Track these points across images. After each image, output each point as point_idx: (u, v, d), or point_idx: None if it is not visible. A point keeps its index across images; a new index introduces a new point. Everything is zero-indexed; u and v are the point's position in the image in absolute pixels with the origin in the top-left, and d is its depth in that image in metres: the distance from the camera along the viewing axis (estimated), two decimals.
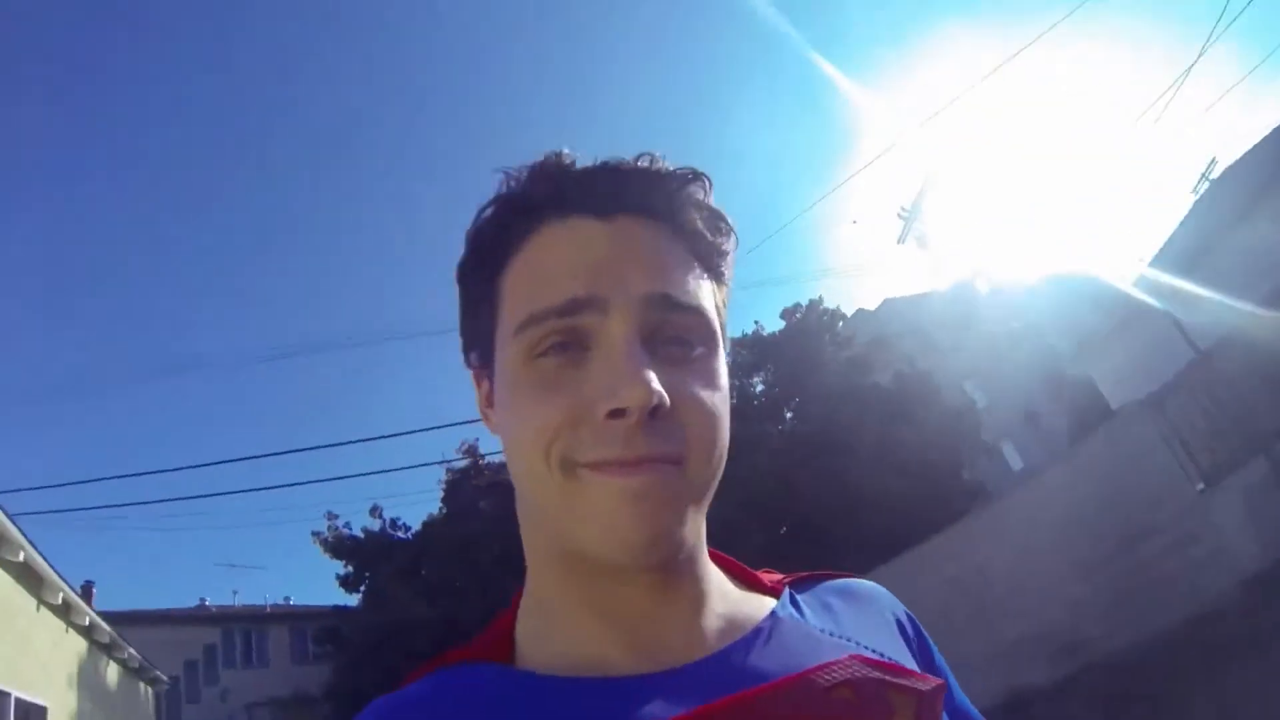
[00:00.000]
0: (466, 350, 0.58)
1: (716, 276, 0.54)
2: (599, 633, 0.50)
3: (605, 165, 0.51)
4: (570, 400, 0.47)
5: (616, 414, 0.45)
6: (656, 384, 0.45)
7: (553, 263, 0.49)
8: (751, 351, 13.86)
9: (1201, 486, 6.91)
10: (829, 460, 11.11)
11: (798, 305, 14.34)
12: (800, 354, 13.44)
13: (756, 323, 14.46)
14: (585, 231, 0.50)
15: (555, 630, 0.52)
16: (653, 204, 0.51)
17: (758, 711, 0.44)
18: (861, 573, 0.64)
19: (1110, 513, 7.11)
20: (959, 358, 16.85)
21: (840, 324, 14.49)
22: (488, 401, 0.56)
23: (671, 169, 0.52)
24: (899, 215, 15.99)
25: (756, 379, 14.03)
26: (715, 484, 0.51)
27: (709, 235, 0.53)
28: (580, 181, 0.51)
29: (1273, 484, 6.55)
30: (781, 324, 14.18)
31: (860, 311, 19.53)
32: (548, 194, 0.51)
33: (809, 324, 14.02)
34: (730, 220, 0.54)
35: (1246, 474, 6.73)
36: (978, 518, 8.54)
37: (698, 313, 0.50)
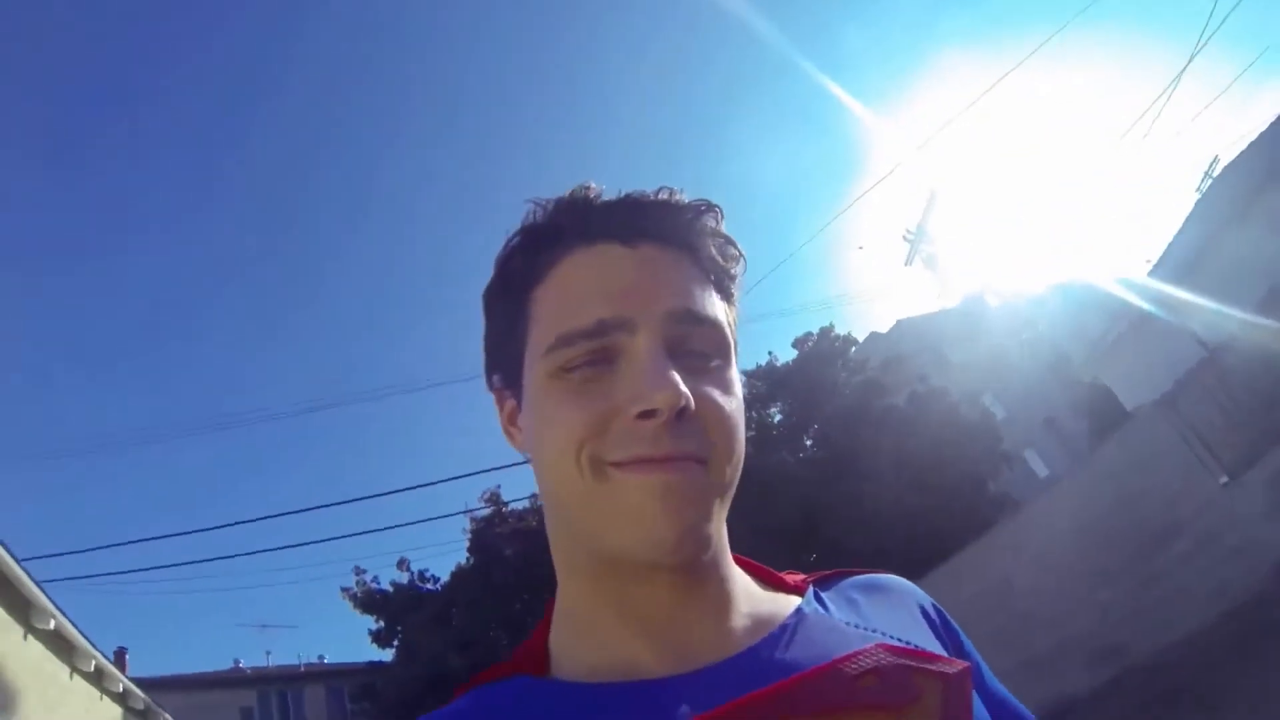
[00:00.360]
0: (490, 372, 0.61)
1: (728, 297, 0.57)
2: (628, 637, 0.52)
3: (628, 197, 0.55)
4: (600, 404, 0.49)
5: (646, 415, 0.48)
6: (684, 386, 0.48)
7: (580, 286, 0.52)
8: (766, 382, 13.93)
9: (1225, 480, 6.89)
10: (851, 484, 11.09)
11: (809, 334, 14.46)
12: (815, 381, 13.49)
13: (770, 353, 14.56)
14: (610, 257, 0.53)
15: (585, 638, 0.54)
16: (671, 232, 0.55)
17: (787, 703, 0.44)
18: None
19: (1133, 514, 7.10)
20: (973, 372, 16.86)
21: (853, 349, 14.55)
22: (511, 420, 0.59)
23: (687, 201, 0.56)
24: (905, 238, 16.15)
25: (774, 409, 14.08)
26: (735, 485, 0.53)
27: (721, 260, 0.57)
28: (605, 212, 0.54)
29: None
30: (794, 353, 14.30)
31: (873, 335, 19.65)
32: (574, 223, 0.54)
33: (822, 351, 14.09)
34: (739, 247, 0.58)
35: (1267, 465, 6.73)
36: (1000, 531, 8.52)
37: (715, 326, 0.53)
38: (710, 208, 0.57)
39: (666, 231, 0.55)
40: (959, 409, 12.68)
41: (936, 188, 15.75)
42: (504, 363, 0.58)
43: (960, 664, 0.50)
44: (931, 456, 11.08)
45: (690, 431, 0.49)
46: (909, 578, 0.65)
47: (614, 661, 0.51)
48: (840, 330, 14.57)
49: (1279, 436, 6.69)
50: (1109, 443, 8.20)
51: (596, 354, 0.51)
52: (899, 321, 20.88)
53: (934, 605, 0.63)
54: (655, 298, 0.51)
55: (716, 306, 0.55)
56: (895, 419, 11.99)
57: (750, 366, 13.80)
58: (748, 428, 0.56)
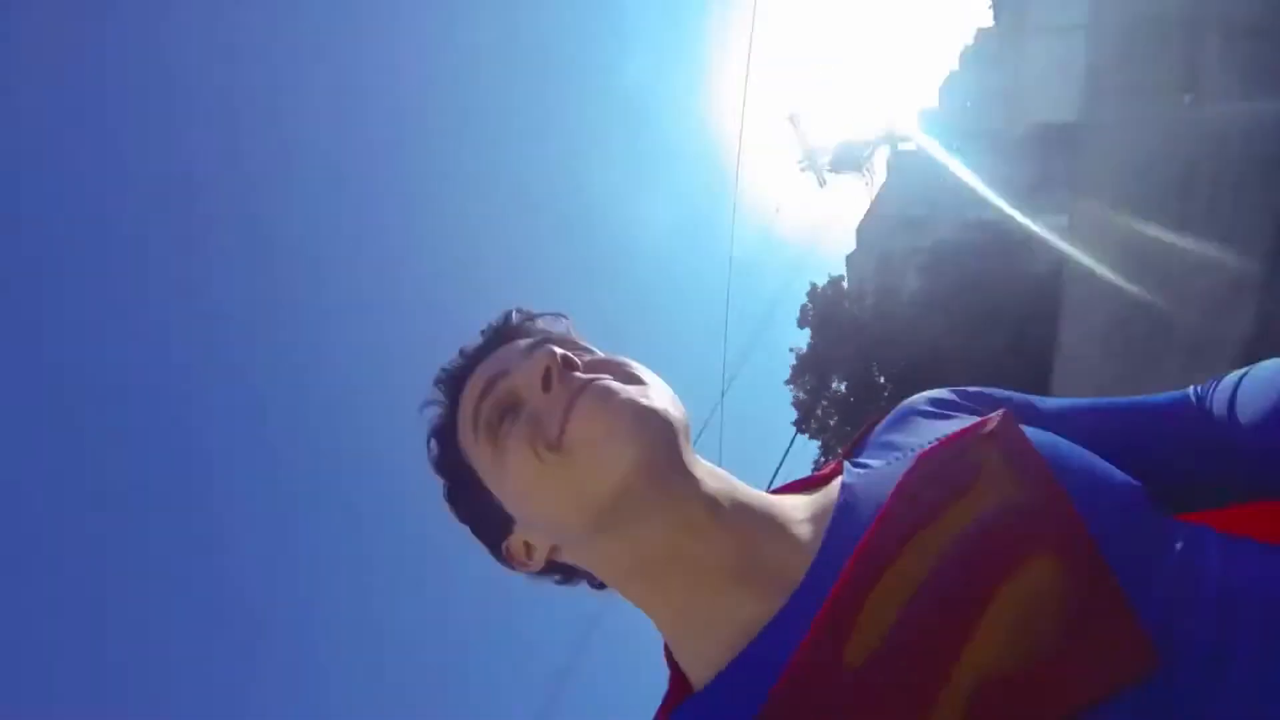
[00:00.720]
0: (499, 547, 0.64)
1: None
2: (720, 604, 0.52)
3: (488, 329, 0.66)
4: (520, 419, 0.56)
5: (544, 382, 0.56)
6: (553, 346, 0.57)
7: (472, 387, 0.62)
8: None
9: None
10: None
11: (814, 286, 15.62)
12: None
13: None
14: (489, 362, 0.63)
15: (695, 633, 0.54)
16: (517, 334, 0.65)
17: (876, 549, 0.47)
18: None
19: None
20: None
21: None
22: (527, 554, 0.63)
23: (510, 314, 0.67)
24: (801, 169, 17.11)
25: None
26: (672, 410, 0.55)
27: (543, 323, 0.67)
28: (472, 354, 0.65)
29: None
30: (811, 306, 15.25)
31: (849, 258, 20.20)
32: (454, 376, 0.65)
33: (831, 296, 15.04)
34: (538, 312, 0.68)
35: None
36: None
37: (578, 342, 0.63)
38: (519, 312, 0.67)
39: (519, 334, 0.65)
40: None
41: (792, 108, 16.88)
42: (495, 524, 0.63)
43: (993, 418, 0.52)
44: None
45: (591, 370, 0.57)
46: None
47: (732, 630, 0.51)
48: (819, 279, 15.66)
49: None
50: None
51: (502, 408, 0.58)
52: (858, 227, 21.46)
53: (951, 389, 0.66)
54: (530, 346, 0.61)
55: (580, 343, 0.64)
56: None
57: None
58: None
